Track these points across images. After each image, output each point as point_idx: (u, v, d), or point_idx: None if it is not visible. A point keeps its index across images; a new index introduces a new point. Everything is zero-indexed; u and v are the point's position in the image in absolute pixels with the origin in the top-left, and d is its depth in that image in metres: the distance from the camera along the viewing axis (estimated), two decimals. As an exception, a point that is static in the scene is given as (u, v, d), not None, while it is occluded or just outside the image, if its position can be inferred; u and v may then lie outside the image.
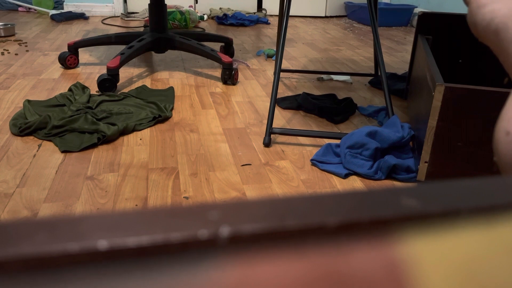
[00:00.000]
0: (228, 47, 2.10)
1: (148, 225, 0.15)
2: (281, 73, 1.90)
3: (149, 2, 1.90)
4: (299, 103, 1.51)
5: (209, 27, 2.95)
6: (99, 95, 1.50)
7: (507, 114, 0.26)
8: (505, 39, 0.30)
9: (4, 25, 2.41)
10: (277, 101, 1.54)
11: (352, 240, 0.14)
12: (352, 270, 0.08)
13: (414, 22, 3.18)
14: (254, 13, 3.37)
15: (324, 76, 1.85)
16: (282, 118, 1.44)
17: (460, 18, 1.47)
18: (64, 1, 3.22)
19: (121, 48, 2.20)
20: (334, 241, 0.14)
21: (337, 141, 1.21)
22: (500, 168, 0.25)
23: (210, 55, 1.76)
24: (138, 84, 1.70)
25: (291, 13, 3.54)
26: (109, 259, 0.13)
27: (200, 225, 0.14)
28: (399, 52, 2.43)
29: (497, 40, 0.31)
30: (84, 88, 1.54)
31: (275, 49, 2.20)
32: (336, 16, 3.62)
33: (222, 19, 3.10)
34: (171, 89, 1.63)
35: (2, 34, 2.38)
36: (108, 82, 1.56)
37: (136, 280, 0.09)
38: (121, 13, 3.18)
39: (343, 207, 0.15)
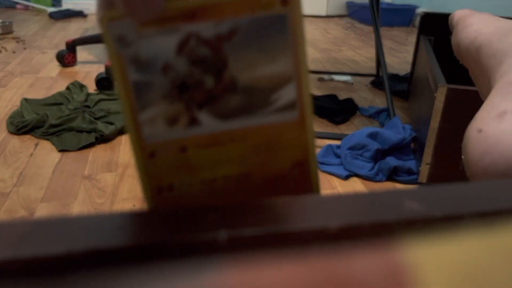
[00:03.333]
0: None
1: (146, 227, 0.15)
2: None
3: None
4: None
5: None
6: (97, 94, 1.49)
7: (481, 113, 0.26)
8: (486, 54, 0.31)
9: (2, 22, 2.39)
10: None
11: (353, 244, 0.14)
12: (353, 275, 0.08)
13: (416, 22, 3.17)
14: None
15: (325, 76, 1.84)
16: (282, 118, 1.42)
17: (462, 19, 1.46)
18: (63, -1, 3.20)
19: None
20: (335, 245, 0.14)
21: (338, 142, 1.20)
22: (467, 167, 0.25)
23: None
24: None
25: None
26: (107, 261, 0.13)
27: (199, 227, 0.14)
28: (400, 52, 2.42)
29: (478, 57, 0.32)
30: (82, 86, 1.52)
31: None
32: (337, 16, 3.61)
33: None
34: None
35: (0, 32, 2.37)
36: (106, 80, 1.54)
37: (133, 283, 0.09)
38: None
39: (345, 211, 0.15)
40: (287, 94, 0.19)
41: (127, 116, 0.18)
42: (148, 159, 0.19)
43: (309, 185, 0.21)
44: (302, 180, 0.20)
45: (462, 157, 0.26)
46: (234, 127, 0.19)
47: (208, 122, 0.19)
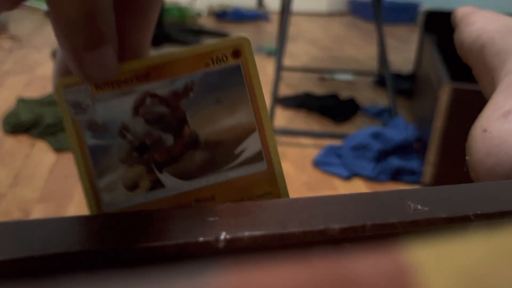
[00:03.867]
0: (227, 45, 2.07)
1: (144, 228, 0.14)
2: (282, 71, 1.87)
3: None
4: (300, 102, 1.48)
5: (208, 23, 2.92)
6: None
7: (486, 113, 0.26)
8: (490, 53, 0.30)
9: (-1, 21, 2.37)
10: (277, 100, 1.51)
11: (356, 245, 0.14)
12: (356, 277, 0.08)
13: (419, 20, 3.16)
14: (254, 9, 3.34)
15: (326, 75, 1.82)
16: (283, 118, 1.41)
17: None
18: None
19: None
20: (337, 246, 0.14)
21: (339, 142, 1.19)
22: (471, 167, 0.25)
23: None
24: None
25: (291, 9, 3.51)
26: (105, 263, 0.13)
27: (199, 229, 0.14)
28: (403, 51, 2.40)
29: (481, 56, 0.32)
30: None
31: (275, 46, 2.17)
32: (339, 13, 3.59)
33: (222, 15, 3.07)
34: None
35: (-3, 30, 2.35)
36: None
37: (131, 285, 0.09)
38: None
39: (347, 211, 0.15)
40: (251, 145, 0.18)
41: (85, 184, 0.17)
42: None
43: None
44: None
45: (467, 157, 0.26)
46: (200, 186, 0.18)
47: (171, 184, 0.18)
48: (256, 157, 0.18)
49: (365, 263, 0.08)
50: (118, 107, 0.17)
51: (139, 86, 0.17)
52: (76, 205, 0.91)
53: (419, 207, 0.15)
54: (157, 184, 0.18)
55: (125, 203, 0.18)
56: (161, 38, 1.81)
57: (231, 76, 0.18)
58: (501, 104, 0.25)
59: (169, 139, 0.18)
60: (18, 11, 3.03)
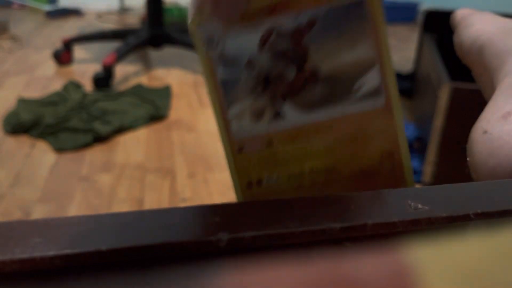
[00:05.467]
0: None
1: (143, 228, 0.14)
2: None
3: (146, -2, 1.87)
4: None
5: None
6: (94, 93, 1.47)
7: (486, 114, 0.26)
8: (489, 54, 0.30)
9: (-1, 21, 2.37)
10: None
11: (357, 245, 0.14)
12: (357, 276, 0.08)
13: (419, 19, 3.16)
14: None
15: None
16: (282, 117, 1.41)
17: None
18: (61, -3, 3.18)
19: (117, 44, 2.17)
20: (338, 246, 0.14)
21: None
22: (472, 169, 0.25)
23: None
24: (135, 81, 1.66)
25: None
26: (106, 262, 0.13)
27: (199, 229, 0.14)
28: (403, 50, 2.40)
29: (481, 57, 0.32)
30: (78, 86, 1.50)
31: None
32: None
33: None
34: (167, 88, 1.60)
35: (-3, 30, 2.35)
36: (103, 79, 1.52)
37: (132, 285, 0.09)
38: (120, 8, 3.14)
39: (348, 211, 0.15)
40: (370, 80, 0.18)
41: (218, 114, 0.19)
42: (237, 154, 0.19)
43: (402, 178, 0.20)
44: (394, 172, 0.20)
45: (468, 159, 0.26)
46: (318, 119, 0.19)
47: (292, 115, 0.19)
48: (375, 92, 0.18)
49: (365, 262, 0.08)
50: (246, 43, 0.18)
51: (265, 20, 0.17)
52: (77, 205, 0.91)
53: (420, 206, 0.15)
54: (278, 115, 0.19)
55: (251, 131, 0.19)
56: (161, 38, 1.81)
57: (354, 11, 0.18)
58: (501, 106, 0.25)
59: (291, 73, 0.18)
60: (18, 11, 3.03)
